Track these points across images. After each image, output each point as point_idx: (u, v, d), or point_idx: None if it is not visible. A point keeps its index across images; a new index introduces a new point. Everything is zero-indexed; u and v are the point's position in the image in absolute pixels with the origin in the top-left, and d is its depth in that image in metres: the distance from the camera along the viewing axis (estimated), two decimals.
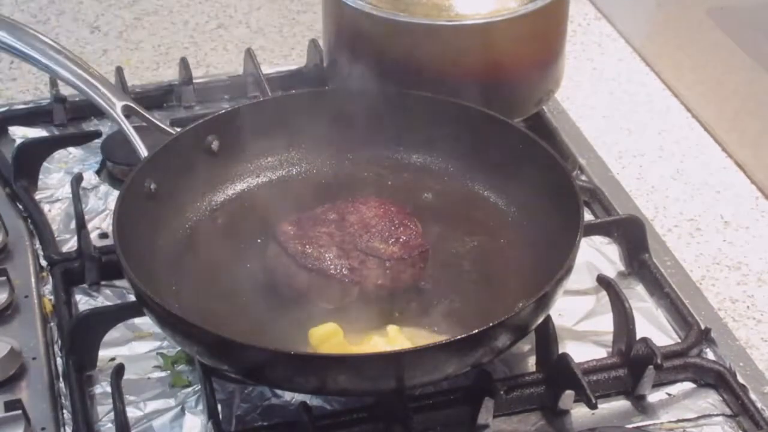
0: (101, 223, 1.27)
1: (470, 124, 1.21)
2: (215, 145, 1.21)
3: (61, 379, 1.08)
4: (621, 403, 1.06)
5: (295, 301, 1.08)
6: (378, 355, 0.98)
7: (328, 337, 1.02)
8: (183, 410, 1.05)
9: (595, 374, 1.06)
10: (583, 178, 1.33)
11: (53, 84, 1.43)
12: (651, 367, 1.04)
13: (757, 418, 1.02)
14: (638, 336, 1.06)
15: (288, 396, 1.04)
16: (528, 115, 1.33)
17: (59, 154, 1.36)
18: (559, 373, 1.03)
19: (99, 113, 1.33)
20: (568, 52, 1.43)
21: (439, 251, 1.13)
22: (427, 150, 1.25)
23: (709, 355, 1.10)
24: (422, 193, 1.23)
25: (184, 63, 1.47)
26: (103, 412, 1.05)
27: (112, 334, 1.10)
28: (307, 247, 1.09)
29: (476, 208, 1.20)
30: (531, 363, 1.08)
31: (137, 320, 1.11)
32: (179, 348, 1.07)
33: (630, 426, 1.03)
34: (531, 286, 1.04)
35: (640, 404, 1.06)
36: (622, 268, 1.21)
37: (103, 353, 1.09)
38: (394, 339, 1.02)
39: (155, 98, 1.46)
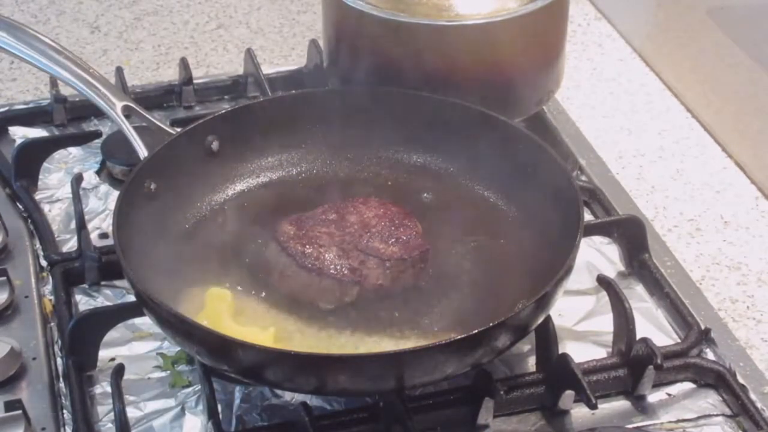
0: (101, 223, 1.27)
1: (470, 124, 1.20)
2: (215, 145, 1.21)
3: (61, 379, 1.08)
4: (621, 403, 1.06)
5: (295, 300, 1.08)
6: (378, 355, 0.98)
7: (218, 300, 1.04)
8: (183, 410, 1.05)
9: (595, 374, 1.06)
10: (583, 178, 1.33)
11: (53, 84, 1.43)
12: (651, 367, 1.04)
13: (757, 418, 1.02)
14: (638, 336, 1.06)
15: (288, 396, 1.04)
16: (528, 115, 1.32)
17: (59, 154, 1.36)
18: (559, 373, 1.03)
19: (99, 113, 1.33)
20: (568, 52, 1.43)
21: (439, 251, 1.13)
22: (427, 150, 1.25)
23: (709, 355, 1.10)
24: (422, 193, 1.23)
25: (184, 63, 1.47)
26: (103, 412, 1.05)
27: (112, 334, 1.10)
28: (307, 247, 1.09)
29: (476, 208, 1.20)
30: (531, 363, 1.08)
31: (137, 320, 1.11)
32: (179, 348, 1.07)
33: (630, 426, 1.03)
34: (531, 286, 1.04)
35: (640, 404, 1.06)
36: (622, 268, 1.21)
37: (103, 353, 1.09)
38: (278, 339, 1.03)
39: (155, 98, 1.46)
